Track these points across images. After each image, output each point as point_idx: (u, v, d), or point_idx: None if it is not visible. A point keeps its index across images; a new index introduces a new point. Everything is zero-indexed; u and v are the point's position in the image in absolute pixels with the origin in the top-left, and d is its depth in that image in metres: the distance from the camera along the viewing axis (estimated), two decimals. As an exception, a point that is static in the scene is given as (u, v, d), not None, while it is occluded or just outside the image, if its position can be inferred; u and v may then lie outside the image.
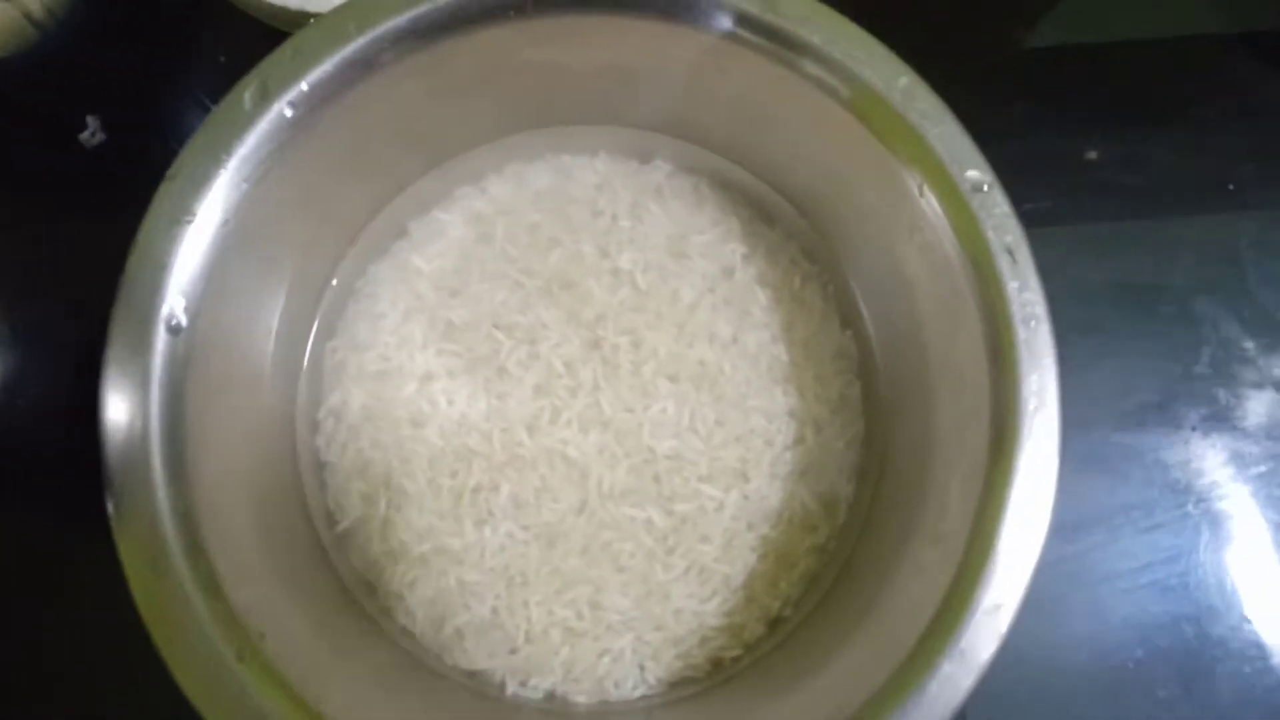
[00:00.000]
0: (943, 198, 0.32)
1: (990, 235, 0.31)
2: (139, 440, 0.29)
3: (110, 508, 0.29)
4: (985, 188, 0.31)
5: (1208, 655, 0.38)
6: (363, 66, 0.32)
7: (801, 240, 0.39)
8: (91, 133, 0.41)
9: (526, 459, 0.37)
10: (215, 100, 0.44)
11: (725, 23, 0.33)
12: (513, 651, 0.36)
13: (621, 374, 0.38)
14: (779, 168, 0.39)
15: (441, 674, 0.36)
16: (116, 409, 0.29)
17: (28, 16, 0.36)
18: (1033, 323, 0.31)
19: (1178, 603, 0.38)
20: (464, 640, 0.36)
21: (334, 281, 0.38)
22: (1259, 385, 0.40)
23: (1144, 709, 0.38)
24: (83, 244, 0.40)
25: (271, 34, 0.39)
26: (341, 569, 0.36)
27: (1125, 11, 0.46)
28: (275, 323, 0.35)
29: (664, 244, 0.39)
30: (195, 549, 0.29)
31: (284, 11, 0.37)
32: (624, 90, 0.38)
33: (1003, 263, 0.31)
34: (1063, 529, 0.31)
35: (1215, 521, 0.39)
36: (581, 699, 0.35)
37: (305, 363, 0.37)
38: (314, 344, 0.38)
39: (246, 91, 0.31)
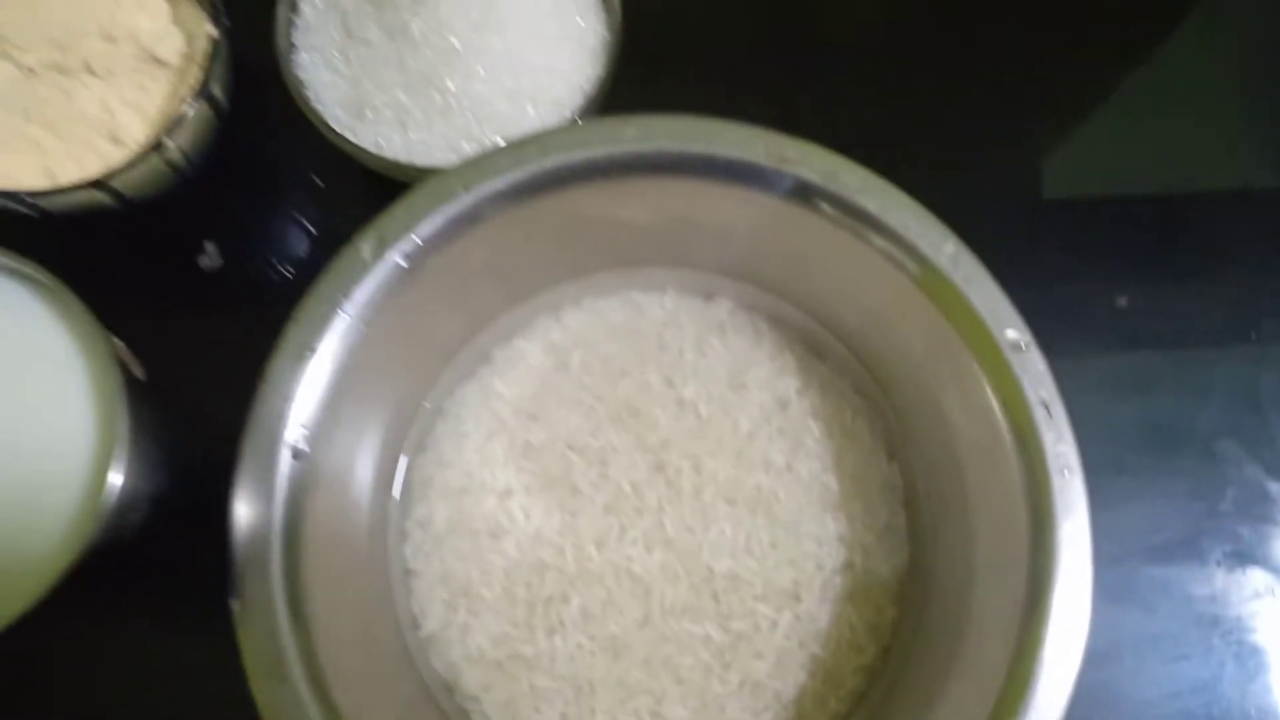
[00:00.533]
0: (984, 355, 0.35)
1: (1028, 391, 0.34)
2: (262, 555, 0.32)
3: (235, 612, 0.32)
4: (1023, 346, 0.35)
5: (1233, 785, 0.40)
6: (467, 221, 0.37)
7: (852, 377, 0.43)
8: (209, 257, 0.46)
9: (595, 573, 0.40)
10: (317, 227, 0.49)
11: (789, 189, 0.37)
12: (578, 756, 0.38)
13: (684, 496, 0.41)
14: (832, 311, 0.42)
15: (513, 774, 0.38)
16: (243, 524, 0.33)
17: (170, 164, 0.40)
18: (1066, 472, 0.34)
19: (1204, 732, 0.41)
20: (534, 743, 0.38)
21: (426, 404, 0.42)
22: (1281, 524, 0.43)
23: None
24: (199, 357, 0.45)
25: (370, 172, 0.44)
26: (424, 671, 0.39)
27: (1152, 166, 0.50)
28: (378, 443, 0.39)
29: (725, 377, 0.42)
30: (309, 656, 0.32)
31: (391, 163, 0.41)
32: (692, 240, 0.41)
33: (1039, 416, 0.34)
34: (1093, 657, 0.33)
35: (1240, 654, 0.42)
36: (640, 805, 0.38)
37: (397, 477, 0.41)
38: (405, 460, 0.41)
39: (365, 243, 0.35)
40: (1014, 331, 0.35)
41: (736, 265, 0.43)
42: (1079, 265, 0.46)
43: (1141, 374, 0.44)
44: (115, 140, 0.42)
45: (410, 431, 0.41)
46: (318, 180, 0.48)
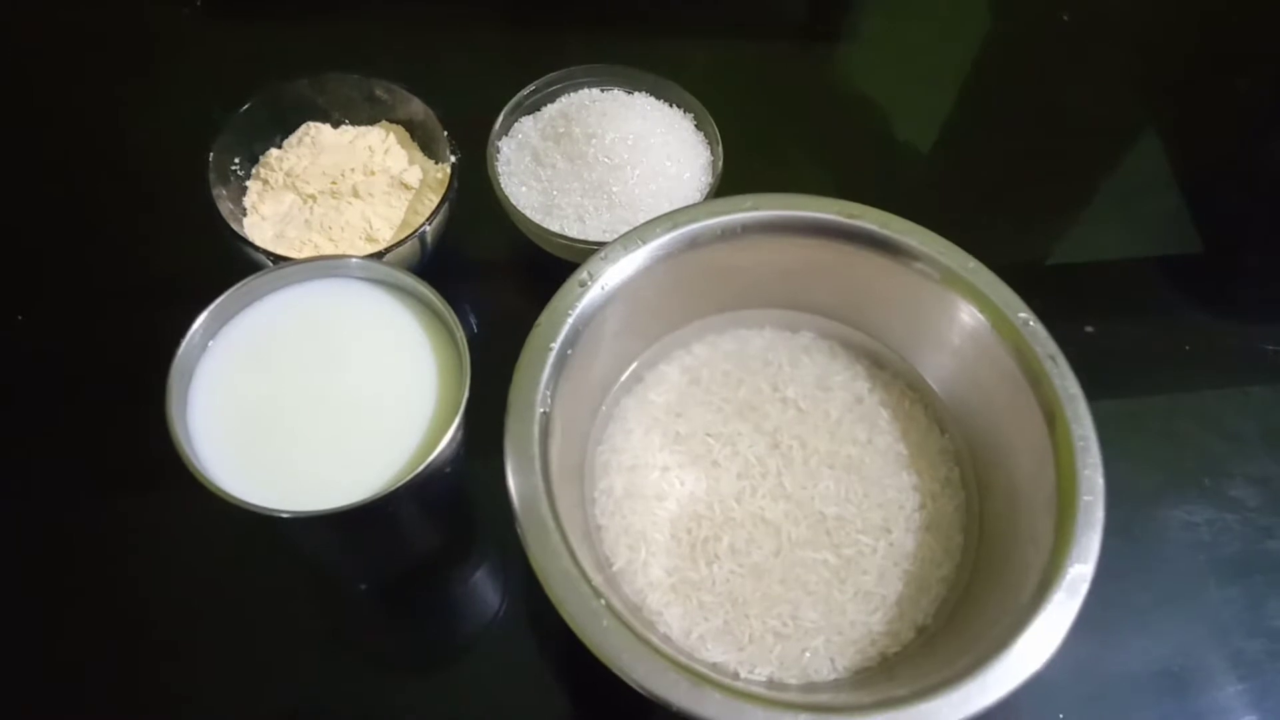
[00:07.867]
0: (1001, 329, 0.51)
1: (1038, 349, 0.51)
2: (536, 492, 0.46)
3: (520, 534, 0.45)
4: (1031, 323, 0.51)
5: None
6: (641, 265, 0.53)
7: (906, 377, 0.59)
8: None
9: (737, 520, 0.54)
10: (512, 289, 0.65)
11: (855, 236, 0.54)
12: (740, 649, 0.51)
13: (795, 465, 0.55)
14: (886, 329, 0.59)
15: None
16: (515, 456, 0.47)
17: (422, 244, 0.57)
18: (1074, 398, 0.49)
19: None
20: (706, 642, 0.51)
21: (603, 408, 0.57)
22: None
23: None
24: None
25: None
26: (619, 595, 0.52)
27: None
28: (577, 430, 0.53)
29: (814, 381, 0.58)
30: (571, 554, 0.45)
31: (573, 243, 0.58)
32: (781, 283, 0.58)
33: (1048, 365, 0.50)
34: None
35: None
36: (792, 681, 0.50)
37: (584, 460, 0.55)
38: (590, 447, 0.56)
39: (578, 276, 0.52)
40: (1024, 313, 0.52)
41: (814, 303, 0.60)
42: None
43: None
44: (371, 241, 0.59)
45: (594, 427, 0.56)
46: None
